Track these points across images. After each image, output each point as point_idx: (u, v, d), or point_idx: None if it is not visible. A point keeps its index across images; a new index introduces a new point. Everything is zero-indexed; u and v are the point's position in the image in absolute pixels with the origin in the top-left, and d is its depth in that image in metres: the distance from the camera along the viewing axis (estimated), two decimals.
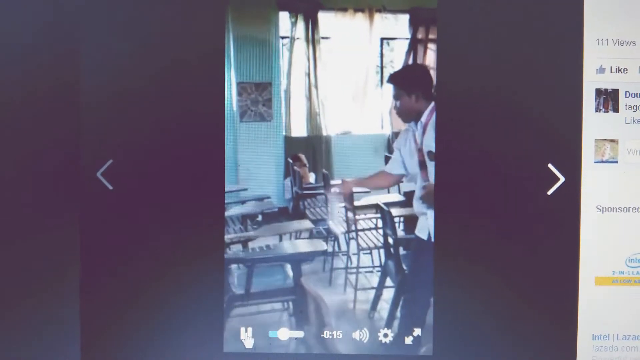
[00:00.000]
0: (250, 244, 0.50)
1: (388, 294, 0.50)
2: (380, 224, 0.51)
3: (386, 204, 0.51)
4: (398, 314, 0.49)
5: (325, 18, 0.49)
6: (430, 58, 0.49)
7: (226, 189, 0.48)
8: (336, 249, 0.50)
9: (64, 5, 0.47)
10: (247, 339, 0.49)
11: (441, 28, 0.47)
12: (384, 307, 0.50)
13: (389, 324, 0.49)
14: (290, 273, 0.50)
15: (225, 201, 0.48)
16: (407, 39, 0.49)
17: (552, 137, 0.47)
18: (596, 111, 0.47)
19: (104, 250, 0.48)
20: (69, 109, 0.47)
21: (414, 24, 0.49)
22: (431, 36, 0.48)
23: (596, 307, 0.47)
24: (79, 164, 0.47)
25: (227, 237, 0.48)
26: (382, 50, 0.49)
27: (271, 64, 0.50)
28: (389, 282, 0.50)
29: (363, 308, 0.50)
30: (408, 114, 0.50)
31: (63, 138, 0.47)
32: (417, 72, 0.49)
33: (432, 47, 0.48)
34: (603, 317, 0.47)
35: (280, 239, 0.51)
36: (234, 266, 0.49)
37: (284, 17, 0.49)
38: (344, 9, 0.48)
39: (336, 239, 0.50)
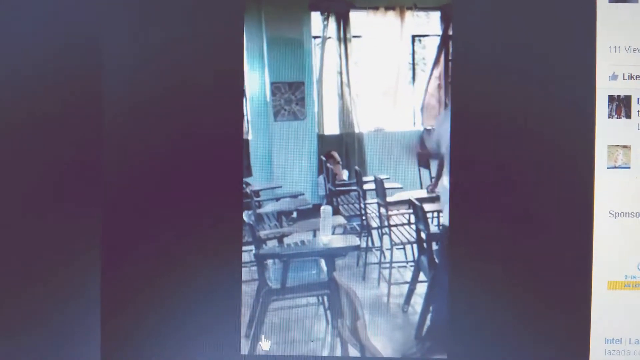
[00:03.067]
0: (286, 240, 0.50)
1: (422, 288, 0.50)
2: (412, 219, 0.51)
3: (418, 199, 0.51)
4: (431, 308, 0.49)
5: (356, 17, 0.50)
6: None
7: (261, 187, 0.49)
8: (369, 244, 0.51)
9: (86, 11, 0.48)
10: (264, 342, 0.49)
11: (455, 37, 0.48)
12: (418, 301, 0.50)
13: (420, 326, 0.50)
14: (325, 268, 0.51)
15: (261, 198, 0.49)
16: (438, 35, 0.49)
17: (565, 142, 0.47)
18: (609, 117, 0.47)
19: (124, 252, 0.48)
20: (93, 111, 0.48)
21: (445, 21, 0.49)
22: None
23: (609, 311, 0.48)
24: (102, 165, 0.48)
25: (263, 232, 0.49)
26: (413, 47, 0.50)
27: (304, 64, 0.50)
28: (422, 277, 0.50)
29: (397, 302, 0.50)
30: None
31: (86, 140, 0.48)
32: None
33: None
34: (615, 321, 0.48)
35: (315, 235, 0.52)
36: (270, 261, 0.50)
37: (315, 17, 0.50)
38: (375, 8, 0.49)
39: (369, 234, 0.51)
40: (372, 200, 0.50)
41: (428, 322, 0.50)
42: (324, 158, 0.51)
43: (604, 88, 0.47)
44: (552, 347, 0.48)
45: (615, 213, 0.48)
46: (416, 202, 0.51)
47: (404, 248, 0.51)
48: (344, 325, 0.49)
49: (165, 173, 0.48)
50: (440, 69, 0.49)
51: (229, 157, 0.48)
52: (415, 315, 0.50)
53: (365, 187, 0.50)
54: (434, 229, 0.51)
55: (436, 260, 0.50)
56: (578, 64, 0.47)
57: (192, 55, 0.48)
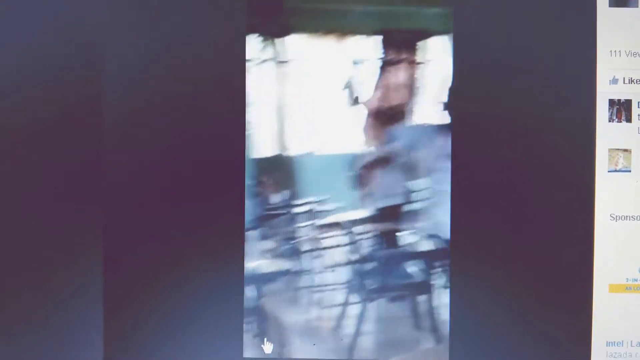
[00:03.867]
0: None
1: (353, 310, 0.50)
2: (344, 241, 0.51)
3: (358, 219, 0.51)
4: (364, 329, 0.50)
5: (294, 40, 0.50)
6: (400, 78, 0.49)
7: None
8: (301, 267, 0.50)
9: (87, 13, 0.48)
10: (267, 344, 0.50)
11: (456, 38, 0.48)
12: (350, 323, 0.50)
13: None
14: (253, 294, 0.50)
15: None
16: (380, 59, 0.50)
17: (566, 146, 0.48)
18: (609, 121, 0.48)
19: (126, 253, 0.49)
20: (94, 112, 0.48)
21: (386, 45, 0.49)
22: (404, 56, 0.49)
23: (610, 314, 0.48)
24: (103, 165, 0.48)
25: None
26: (351, 71, 0.50)
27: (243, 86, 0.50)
28: (353, 299, 0.50)
29: (328, 325, 0.50)
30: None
31: (88, 140, 0.48)
32: None
33: (403, 67, 0.49)
34: (617, 324, 0.48)
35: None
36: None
37: (253, 39, 0.49)
38: (314, 31, 0.49)
39: (300, 257, 0.50)
40: (305, 223, 0.50)
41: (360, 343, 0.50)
42: (254, 181, 0.50)
43: (605, 92, 0.47)
44: (553, 349, 0.48)
45: (616, 216, 0.48)
46: (348, 224, 0.51)
47: (333, 271, 0.51)
48: (272, 351, 0.50)
49: (167, 173, 0.48)
50: (380, 91, 0.49)
51: (230, 157, 0.49)
52: (348, 338, 0.50)
53: (298, 210, 0.50)
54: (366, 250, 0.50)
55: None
56: (578, 68, 0.48)
57: (194, 57, 0.48)
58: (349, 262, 0.50)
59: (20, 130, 0.48)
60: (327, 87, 0.50)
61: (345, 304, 0.50)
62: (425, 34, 0.49)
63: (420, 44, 0.49)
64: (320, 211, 0.50)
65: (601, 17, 0.47)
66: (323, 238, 0.50)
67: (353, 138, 0.50)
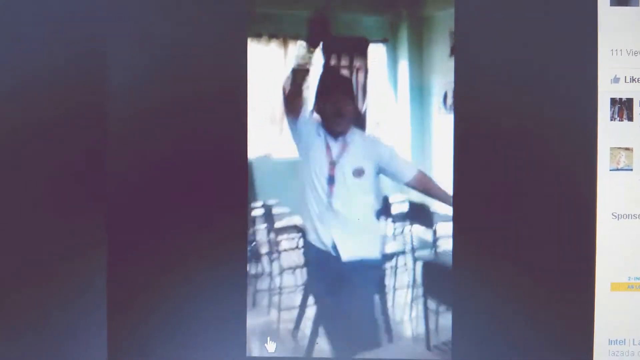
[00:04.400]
0: None
1: (311, 312, 0.51)
2: (301, 243, 0.52)
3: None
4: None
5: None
6: (343, 85, 0.51)
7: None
8: (259, 270, 0.51)
9: (91, 14, 0.49)
10: (270, 343, 0.50)
11: (458, 38, 0.48)
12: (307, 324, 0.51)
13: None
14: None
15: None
16: (321, 66, 0.51)
17: (568, 145, 0.48)
18: (611, 120, 0.48)
19: (129, 253, 0.49)
20: (97, 112, 0.49)
21: (326, 53, 0.50)
22: (343, 63, 0.51)
23: (612, 312, 0.48)
24: (106, 165, 0.49)
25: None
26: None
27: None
28: (311, 300, 0.51)
29: (287, 327, 0.51)
30: (341, 117, 0.51)
31: (91, 141, 0.49)
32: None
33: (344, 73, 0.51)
34: (619, 323, 0.48)
35: None
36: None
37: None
38: (258, 35, 0.50)
39: (259, 260, 0.51)
40: (260, 226, 0.51)
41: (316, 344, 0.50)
42: None
43: (606, 91, 0.48)
44: (556, 348, 0.48)
45: (618, 215, 0.48)
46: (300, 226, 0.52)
47: (293, 272, 0.51)
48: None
49: (170, 173, 0.49)
50: (324, 98, 0.51)
51: (233, 157, 0.49)
52: (305, 340, 0.51)
53: (254, 213, 0.50)
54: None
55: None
56: (580, 67, 0.48)
57: (197, 59, 0.49)
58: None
59: (24, 133, 0.48)
60: (276, 93, 0.51)
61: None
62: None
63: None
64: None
65: (602, 16, 0.48)
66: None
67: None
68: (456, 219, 0.48)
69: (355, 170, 0.51)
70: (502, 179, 0.48)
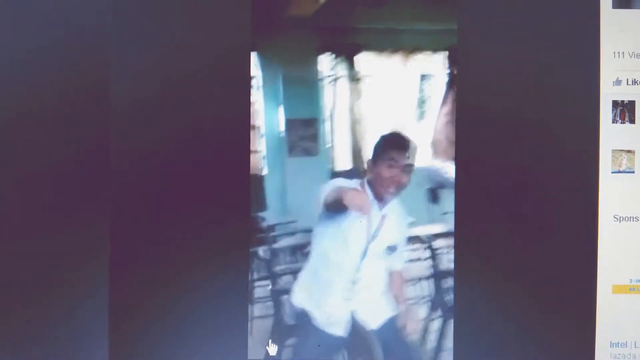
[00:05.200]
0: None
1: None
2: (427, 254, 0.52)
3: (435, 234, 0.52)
4: None
5: (365, 57, 0.52)
6: None
7: (276, 221, 0.50)
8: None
9: (93, 9, 0.48)
10: (271, 346, 0.50)
11: (460, 42, 0.48)
12: None
13: None
14: None
15: (276, 233, 0.50)
16: (446, 74, 0.51)
17: (570, 147, 0.48)
18: (613, 122, 0.48)
19: (131, 258, 0.48)
20: (100, 115, 0.48)
21: (451, 60, 0.50)
22: None
23: (614, 315, 0.48)
24: (109, 169, 0.48)
25: (279, 268, 0.50)
26: (421, 86, 0.51)
27: (317, 102, 0.52)
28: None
29: None
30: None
31: (93, 141, 0.48)
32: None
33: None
34: (621, 325, 0.48)
35: None
36: (285, 296, 0.51)
37: (327, 57, 0.52)
38: (381, 49, 0.51)
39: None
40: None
41: None
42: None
43: (608, 93, 0.48)
44: (557, 350, 0.48)
45: (620, 217, 0.48)
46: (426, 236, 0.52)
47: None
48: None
49: (173, 178, 0.48)
50: (448, 106, 0.50)
51: (236, 159, 0.49)
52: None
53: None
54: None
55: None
56: (582, 70, 0.48)
57: (200, 57, 0.48)
58: None
59: (24, 133, 0.48)
60: (399, 102, 0.51)
61: None
62: None
63: None
64: None
65: (605, 18, 0.48)
66: None
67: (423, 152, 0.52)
68: (458, 222, 0.48)
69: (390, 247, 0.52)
70: (504, 181, 0.48)
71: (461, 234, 0.48)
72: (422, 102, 0.51)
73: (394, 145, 0.51)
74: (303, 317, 0.51)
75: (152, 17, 0.48)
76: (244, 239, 0.49)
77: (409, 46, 0.51)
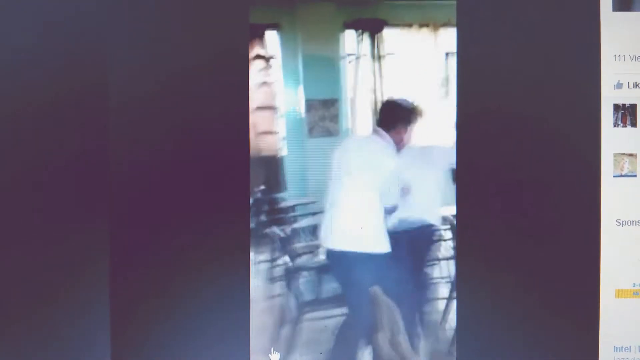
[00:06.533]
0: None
1: None
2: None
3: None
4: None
5: (390, 34, 0.51)
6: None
7: (297, 202, 0.49)
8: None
9: (92, 8, 0.48)
10: (274, 354, 0.50)
11: (459, 46, 0.48)
12: None
13: None
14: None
15: (296, 213, 0.49)
16: None
17: (571, 151, 0.48)
18: (614, 126, 0.47)
19: (132, 262, 0.49)
20: (98, 115, 0.48)
21: None
22: None
23: (617, 319, 0.48)
24: (108, 171, 0.48)
25: (299, 245, 0.50)
26: (447, 63, 0.50)
27: (338, 81, 0.51)
28: None
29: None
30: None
31: (92, 142, 0.48)
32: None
33: None
34: (624, 329, 0.48)
35: None
36: (304, 273, 0.50)
37: (350, 35, 0.51)
38: (409, 25, 0.49)
39: None
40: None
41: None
42: None
43: (609, 97, 0.47)
44: (561, 355, 0.48)
45: (622, 221, 0.48)
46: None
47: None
48: (384, 339, 0.49)
49: (173, 179, 0.48)
50: None
51: (236, 160, 0.49)
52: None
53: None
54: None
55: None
56: (583, 73, 0.47)
57: (199, 56, 0.48)
58: None
59: (22, 135, 0.48)
60: (424, 80, 0.50)
61: None
62: None
63: None
64: None
65: (605, 21, 0.47)
66: None
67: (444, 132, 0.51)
68: (459, 224, 0.48)
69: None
70: (504, 186, 0.48)
71: (462, 237, 0.48)
72: (446, 81, 0.50)
73: (390, 114, 0.50)
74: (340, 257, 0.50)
75: (150, 15, 0.48)
76: (245, 241, 0.49)
77: (436, 21, 0.50)
